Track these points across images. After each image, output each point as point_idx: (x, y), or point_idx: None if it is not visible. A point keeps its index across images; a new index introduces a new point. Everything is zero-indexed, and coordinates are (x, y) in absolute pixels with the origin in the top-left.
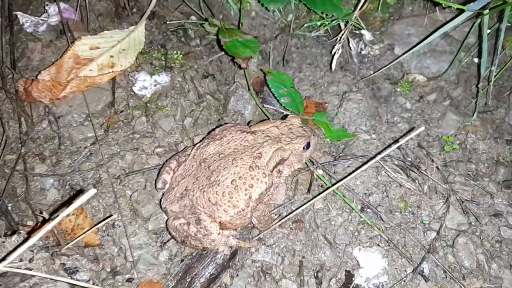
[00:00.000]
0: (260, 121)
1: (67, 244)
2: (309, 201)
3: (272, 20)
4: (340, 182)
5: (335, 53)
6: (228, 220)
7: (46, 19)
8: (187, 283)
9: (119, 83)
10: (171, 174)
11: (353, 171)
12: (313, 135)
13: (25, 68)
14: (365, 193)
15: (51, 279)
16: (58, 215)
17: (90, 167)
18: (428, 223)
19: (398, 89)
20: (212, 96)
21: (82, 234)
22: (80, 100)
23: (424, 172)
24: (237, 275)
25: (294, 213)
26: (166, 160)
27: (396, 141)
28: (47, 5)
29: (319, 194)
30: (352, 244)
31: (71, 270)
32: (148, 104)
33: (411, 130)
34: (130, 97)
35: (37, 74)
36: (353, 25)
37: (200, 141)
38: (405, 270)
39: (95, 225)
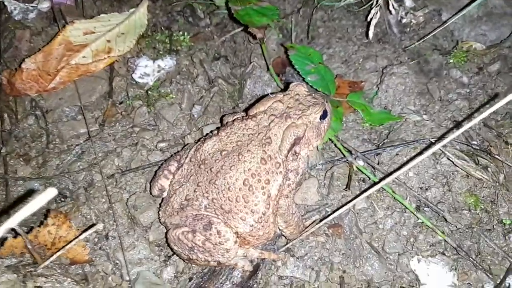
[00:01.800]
0: (255, 101)
1: (45, 261)
2: (350, 201)
3: None
4: (392, 175)
5: (371, 19)
6: (248, 231)
7: (36, 5)
8: None
9: (118, 71)
10: (170, 179)
11: (406, 162)
12: (327, 101)
13: (12, 59)
14: (420, 188)
15: None
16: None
17: (81, 167)
18: (510, 224)
19: (451, 61)
20: (225, 81)
21: (61, 249)
22: (72, 91)
23: (497, 157)
24: None
25: (332, 216)
26: (165, 161)
27: (460, 122)
28: None
29: (362, 192)
30: (408, 253)
31: None
32: (149, 92)
33: (494, 97)
34: (130, 86)
35: (21, 62)
36: None
37: (199, 140)
38: (483, 287)
39: (78, 236)
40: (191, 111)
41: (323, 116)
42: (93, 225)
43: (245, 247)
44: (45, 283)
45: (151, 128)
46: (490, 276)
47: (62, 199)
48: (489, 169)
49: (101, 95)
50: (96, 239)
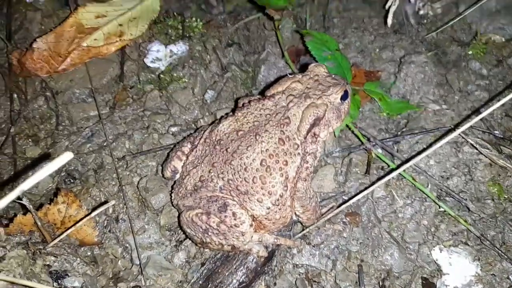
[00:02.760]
0: (273, 82)
1: (54, 239)
2: (368, 186)
3: None
4: (411, 161)
5: (390, 6)
6: (264, 214)
7: None
8: None
9: (129, 55)
10: (184, 160)
11: (425, 148)
12: (347, 83)
13: (22, 40)
14: (442, 176)
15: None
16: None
17: (91, 149)
18: None
19: (470, 52)
20: (239, 67)
21: (72, 227)
22: (83, 73)
23: None
24: (275, 284)
25: (349, 203)
26: (178, 142)
27: (477, 111)
28: None
29: (380, 178)
30: (428, 243)
31: (58, 274)
32: (161, 76)
33: None
34: (142, 70)
35: (32, 42)
36: None
37: (213, 122)
38: (509, 278)
39: (87, 215)
40: (203, 95)
41: (344, 97)
42: (105, 202)
43: (261, 232)
44: (54, 262)
45: (163, 112)
46: None
47: (72, 181)
48: None
49: (112, 78)
50: (105, 222)
